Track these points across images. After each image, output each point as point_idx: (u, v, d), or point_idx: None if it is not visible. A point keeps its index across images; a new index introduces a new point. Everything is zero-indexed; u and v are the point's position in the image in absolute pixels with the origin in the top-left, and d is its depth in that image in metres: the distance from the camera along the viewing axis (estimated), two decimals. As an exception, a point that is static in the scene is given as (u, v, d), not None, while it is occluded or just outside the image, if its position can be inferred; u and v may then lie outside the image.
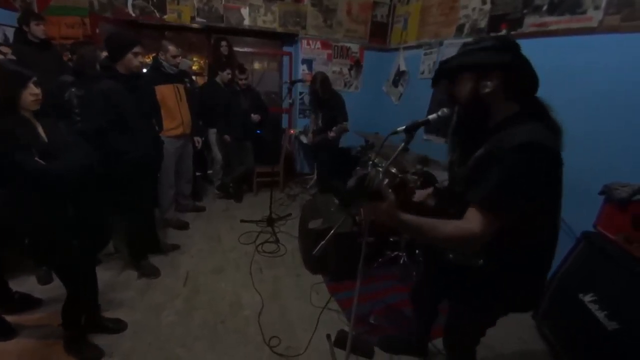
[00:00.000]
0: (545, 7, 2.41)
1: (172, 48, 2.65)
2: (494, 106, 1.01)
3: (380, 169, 0.82)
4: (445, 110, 1.13)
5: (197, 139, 3.01)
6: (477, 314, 1.21)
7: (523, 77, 0.99)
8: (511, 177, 0.88)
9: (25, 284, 2.16)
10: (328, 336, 1.91)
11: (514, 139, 0.90)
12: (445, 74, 1.07)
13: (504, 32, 2.72)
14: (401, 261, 2.58)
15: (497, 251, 0.99)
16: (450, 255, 1.09)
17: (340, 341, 1.87)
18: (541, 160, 0.89)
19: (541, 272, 1.10)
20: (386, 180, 0.88)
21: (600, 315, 1.63)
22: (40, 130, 1.44)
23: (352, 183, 0.81)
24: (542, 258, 1.08)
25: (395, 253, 2.62)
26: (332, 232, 1.28)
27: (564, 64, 2.27)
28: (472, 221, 0.91)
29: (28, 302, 2.00)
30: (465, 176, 1.03)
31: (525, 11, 2.56)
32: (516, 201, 0.89)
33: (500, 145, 0.92)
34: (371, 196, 0.83)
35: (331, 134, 3.39)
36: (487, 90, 0.98)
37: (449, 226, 0.93)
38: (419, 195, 1.44)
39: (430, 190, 1.41)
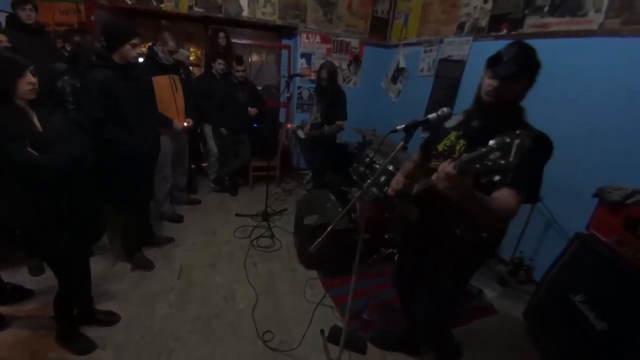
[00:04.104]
0: (546, 8, 2.41)
1: (172, 44, 2.61)
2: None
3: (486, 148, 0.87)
4: (445, 110, 1.13)
5: (189, 119, 2.87)
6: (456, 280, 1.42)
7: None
8: (539, 169, 1.10)
9: (17, 275, 2.14)
10: (322, 331, 1.93)
11: (533, 131, 1.10)
12: (525, 70, 1.10)
13: (504, 32, 2.72)
14: (395, 258, 2.59)
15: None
16: (458, 231, 1.23)
17: (333, 336, 1.88)
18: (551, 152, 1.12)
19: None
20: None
21: (590, 315, 1.66)
22: (35, 119, 1.41)
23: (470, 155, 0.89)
24: None
25: (390, 250, 2.64)
26: (328, 229, 1.27)
27: (563, 66, 2.28)
28: (511, 201, 1.07)
29: (20, 294, 1.98)
30: None
31: (526, 11, 2.55)
32: (539, 188, 1.13)
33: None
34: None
35: (326, 129, 3.35)
36: (523, 97, 1.14)
37: (497, 204, 1.06)
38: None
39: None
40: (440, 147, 1.32)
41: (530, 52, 1.10)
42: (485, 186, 1.07)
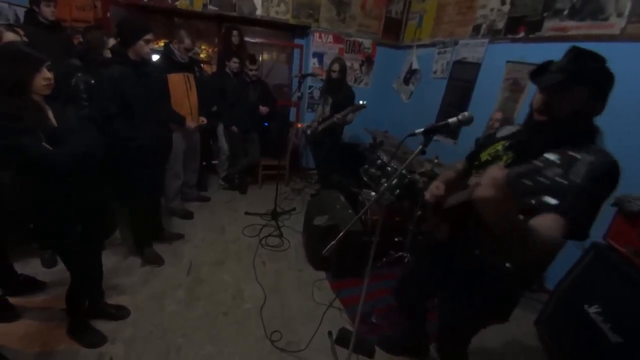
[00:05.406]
0: (566, 12, 2.36)
1: (188, 42, 2.64)
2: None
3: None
4: (466, 114, 1.11)
5: (202, 118, 2.90)
6: (481, 313, 1.25)
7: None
8: (600, 202, 0.88)
9: (30, 266, 2.17)
10: (329, 333, 1.92)
11: (600, 154, 0.87)
12: (572, 79, 0.91)
13: (522, 34, 2.67)
14: (405, 261, 2.57)
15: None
16: (476, 252, 1.03)
17: (341, 339, 1.87)
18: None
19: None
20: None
21: (605, 327, 1.62)
22: (50, 114, 1.42)
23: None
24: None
25: (400, 253, 2.61)
26: (343, 232, 1.26)
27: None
28: (554, 226, 0.86)
29: (32, 285, 2.01)
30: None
31: (545, 14, 2.50)
32: (591, 224, 0.90)
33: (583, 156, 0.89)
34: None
35: (337, 117, 3.17)
36: (594, 113, 0.95)
37: (536, 230, 0.87)
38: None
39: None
40: (483, 157, 1.16)
41: (587, 58, 0.93)
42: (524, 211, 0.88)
